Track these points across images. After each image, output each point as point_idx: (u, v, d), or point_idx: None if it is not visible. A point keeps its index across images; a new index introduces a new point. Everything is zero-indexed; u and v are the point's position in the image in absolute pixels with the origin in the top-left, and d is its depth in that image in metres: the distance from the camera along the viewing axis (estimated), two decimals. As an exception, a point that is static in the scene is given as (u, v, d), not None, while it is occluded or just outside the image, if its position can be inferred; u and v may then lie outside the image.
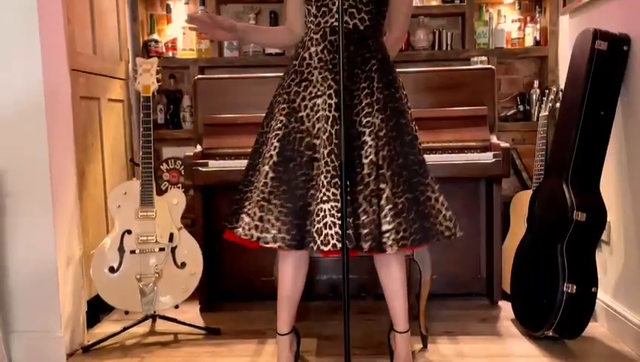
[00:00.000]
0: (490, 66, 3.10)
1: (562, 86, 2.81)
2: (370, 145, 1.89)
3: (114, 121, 3.12)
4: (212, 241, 2.96)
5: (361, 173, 1.88)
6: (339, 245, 1.80)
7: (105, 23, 3.05)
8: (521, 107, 3.51)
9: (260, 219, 1.92)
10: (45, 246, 2.35)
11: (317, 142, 1.90)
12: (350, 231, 1.84)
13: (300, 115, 1.95)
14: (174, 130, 3.53)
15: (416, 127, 2.04)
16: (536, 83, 3.46)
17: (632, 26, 2.36)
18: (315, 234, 1.84)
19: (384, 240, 1.86)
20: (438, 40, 3.50)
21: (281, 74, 2.98)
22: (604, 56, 2.35)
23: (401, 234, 1.87)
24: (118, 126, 3.18)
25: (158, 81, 2.67)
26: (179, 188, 3.40)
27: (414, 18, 3.40)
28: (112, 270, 2.56)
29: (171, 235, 2.58)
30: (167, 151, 3.53)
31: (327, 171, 1.85)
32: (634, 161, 2.39)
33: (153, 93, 2.65)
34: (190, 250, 2.62)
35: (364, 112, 1.91)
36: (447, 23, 3.58)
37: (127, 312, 2.59)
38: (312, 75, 1.95)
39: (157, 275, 2.56)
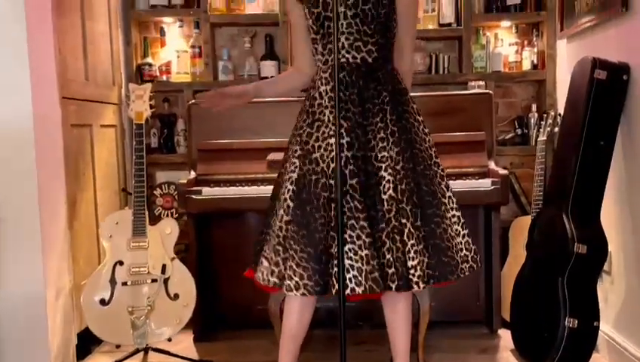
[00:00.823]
0: (487, 91, 3.06)
1: (560, 110, 2.78)
2: (388, 181, 1.84)
3: (106, 146, 3.07)
4: (206, 269, 2.91)
5: (382, 210, 1.82)
6: (357, 289, 1.75)
7: (97, 48, 3.01)
8: (519, 131, 3.48)
9: (276, 264, 1.87)
10: (33, 279, 2.30)
11: (333, 182, 1.83)
12: (376, 274, 1.78)
13: (314, 156, 1.88)
14: (168, 154, 3.48)
15: (436, 154, 1.98)
16: (534, 107, 3.43)
17: (632, 54, 2.33)
18: (333, 278, 1.78)
19: (410, 276, 1.81)
20: (435, 64, 3.47)
21: (277, 99, 3.00)
22: (604, 86, 2.32)
23: (425, 269, 1.83)
24: (110, 151, 3.13)
25: (151, 107, 2.62)
26: (172, 213, 3.35)
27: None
28: (103, 302, 2.50)
29: (164, 266, 2.53)
30: (161, 176, 3.49)
31: (342, 213, 1.78)
32: (634, 191, 2.35)
33: (146, 119, 2.60)
34: (183, 280, 2.56)
35: (379, 147, 1.86)
36: (444, 47, 3.56)
37: (118, 346, 2.53)
38: (324, 115, 1.90)
39: (149, 307, 2.49)
